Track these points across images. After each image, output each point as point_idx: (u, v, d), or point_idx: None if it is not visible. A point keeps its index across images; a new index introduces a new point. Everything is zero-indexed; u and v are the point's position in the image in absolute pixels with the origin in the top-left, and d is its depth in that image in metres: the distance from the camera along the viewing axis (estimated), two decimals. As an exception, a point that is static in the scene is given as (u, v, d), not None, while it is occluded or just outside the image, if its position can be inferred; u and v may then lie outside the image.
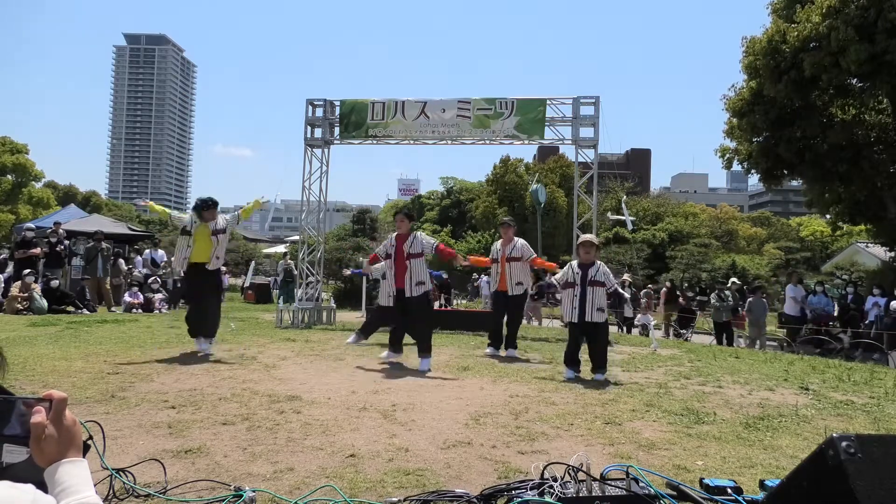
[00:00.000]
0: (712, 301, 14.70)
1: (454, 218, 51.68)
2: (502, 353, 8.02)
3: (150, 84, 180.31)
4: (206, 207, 7.26)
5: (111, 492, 2.87)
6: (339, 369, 6.63)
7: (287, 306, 11.77)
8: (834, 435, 1.82)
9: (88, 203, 57.91)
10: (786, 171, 17.90)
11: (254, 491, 2.91)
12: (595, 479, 2.80)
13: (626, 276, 19.21)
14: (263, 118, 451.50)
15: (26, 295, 11.51)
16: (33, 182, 48.86)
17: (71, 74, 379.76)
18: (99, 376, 5.66)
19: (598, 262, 6.70)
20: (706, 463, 3.66)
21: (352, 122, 11.64)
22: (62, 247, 13.64)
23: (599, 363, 6.53)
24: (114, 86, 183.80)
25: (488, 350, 8.04)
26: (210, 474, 3.21)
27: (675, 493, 2.91)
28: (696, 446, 4.02)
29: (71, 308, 12.05)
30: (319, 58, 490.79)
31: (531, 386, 5.97)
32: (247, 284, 19.54)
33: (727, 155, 18.96)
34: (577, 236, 11.18)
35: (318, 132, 12.04)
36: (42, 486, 1.08)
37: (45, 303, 11.64)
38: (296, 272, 14.44)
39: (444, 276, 9.08)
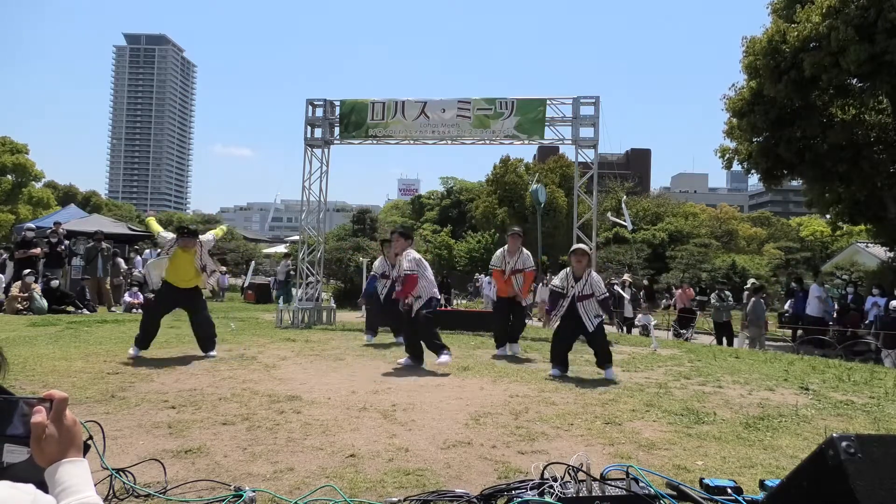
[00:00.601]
0: (712, 301, 14.70)
1: (454, 218, 51.69)
2: (508, 351, 8.14)
3: (150, 84, 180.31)
4: (183, 235, 7.16)
5: (111, 492, 2.87)
6: (339, 369, 6.63)
7: (287, 306, 11.77)
8: (834, 435, 1.82)
9: (88, 203, 57.93)
10: (786, 171, 17.91)
11: (254, 491, 2.91)
12: (595, 479, 2.80)
13: (626, 276, 19.22)
14: (263, 118, 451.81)
15: (26, 295, 11.51)
16: (33, 182, 48.87)
17: (71, 74, 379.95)
18: (99, 376, 5.67)
19: (590, 270, 6.77)
20: (706, 463, 3.66)
21: (352, 122, 11.63)
22: (62, 247, 13.64)
23: (606, 358, 6.57)
24: (114, 86, 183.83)
25: (498, 351, 8.12)
26: (210, 474, 3.21)
27: (675, 493, 2.91)
28: (696, 446, 4.02)
29: (71, 308, 12.06)
30: (319, 58, 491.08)
31: (531, 386, 5.97)
32: (246, 284, 19.54)
33: (727, 155, 18.97)
34: (577, 237, 11.19)
35: (318, 132, 12.04)
36: (42, 485, 1.08)
37: (45, 303, 11.64)
38: (293, 273, 14.45)
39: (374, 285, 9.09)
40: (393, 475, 3.29)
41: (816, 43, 14.26)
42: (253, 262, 21.74)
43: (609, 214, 16.32)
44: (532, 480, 2.94)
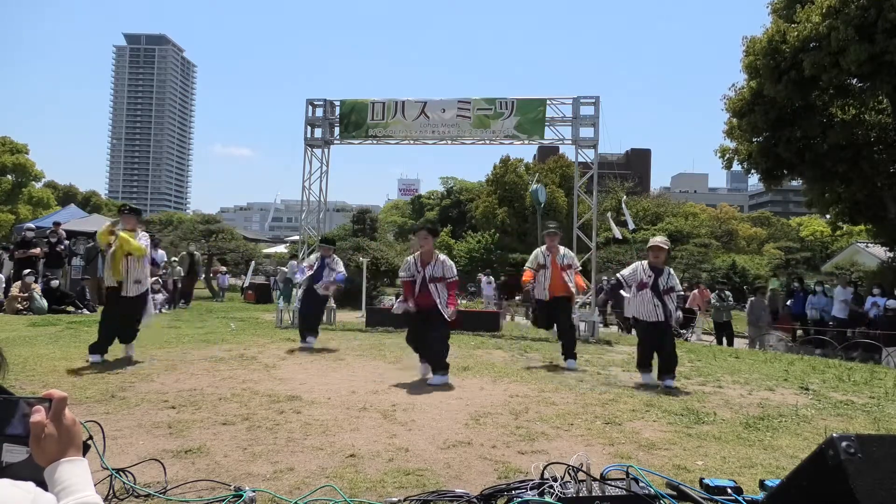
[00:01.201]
0: (712, 301, 14.69)
1: (454, 218, 51.67)
2: (567, 364, 7.27)
3: (150, 84, 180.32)
4: (122, 213, 6.76)
5: (111, 492, 2.87)
6: (339, 369, 6.63)
7: (287, 306, 11.77)
8: (834, 435, 1.82)
9: (88, 203, 57.95)
10: (786, 171, 17.91)
11: (254, 491, 2.91)
12: (595, 479, 2.80)
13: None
14: (263, 118, 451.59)
15: (26, 295, 11.51)
16: (33, 182, 48.90)
17: (71, 74, 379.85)
18: (99, 376, 5.67)
19: (669, 268, 6.51)
20: (706, 463, 3.66)
21: (352, 122, 11.64)
22: (62, 247, 13.64)
23: (670, 368, 6.21)
24: (114, 86, 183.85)
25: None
26: (210, 474, 3.21)
27: (675, 493, 2.91)
28: (696, 446, 4.02)
29: (71, 308, 12.06)
30: (319, 58, 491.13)
31: (531, 386, 5.97)
32: (246, 284, 19.53)
33: (727, 155, 18.97)
34: (577, 237, 11.19)
35: (318, 132, 12.04)
36: (42, 485, 1.08)
37: (45, 303, 11.64)
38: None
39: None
40: (393, 475, 3.29)
41: (816, 43, 14.27)
42: (253, 262, 21.73)
43: (609, 215, 16.30)
44: (532, 480, 2.94)
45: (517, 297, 20.50)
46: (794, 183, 23.51)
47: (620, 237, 16.47)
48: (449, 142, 11.53)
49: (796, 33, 14.62)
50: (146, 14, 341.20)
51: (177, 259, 16.99)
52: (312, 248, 12.44)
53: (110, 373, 5.85)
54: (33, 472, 1.11)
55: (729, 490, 2.92)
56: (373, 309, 12.30)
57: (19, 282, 11.73)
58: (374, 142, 11.74)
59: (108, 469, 2.93)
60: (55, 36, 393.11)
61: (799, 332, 15.09)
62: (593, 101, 10.99)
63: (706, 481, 3.03)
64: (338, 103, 11.89)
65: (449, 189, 59.77)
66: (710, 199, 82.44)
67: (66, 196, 56.71)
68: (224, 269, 22.42)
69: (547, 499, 2.70)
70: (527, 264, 7.89)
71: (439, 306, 6.21)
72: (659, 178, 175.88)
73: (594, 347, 9.46)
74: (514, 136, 11.16)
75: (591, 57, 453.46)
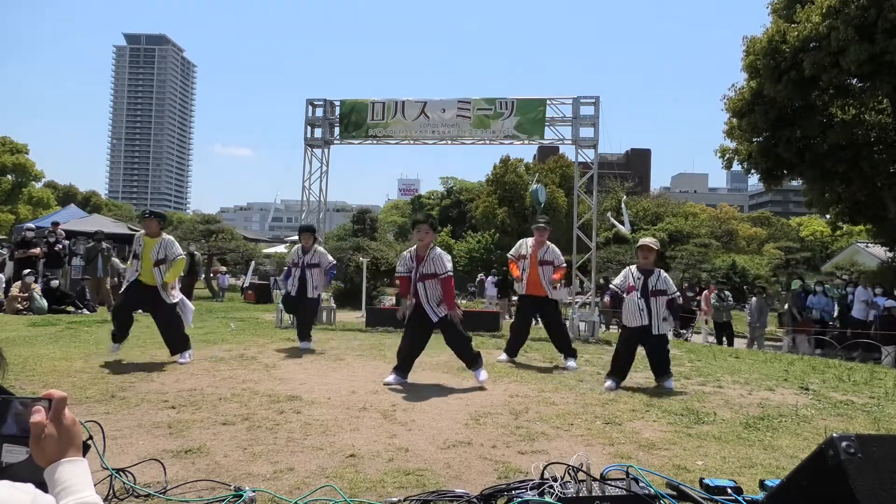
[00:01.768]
0: (712, 301, 14.70)
1: (454, 218, 51.68)
2: (567, 363, 7.25)
3: (150, 84, 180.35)
4: (145, 217, 6.83)
5: (111, 492, 2.87)
6: (339, 369, 6.63)
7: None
8: (834, 435, 1.82)
9: (88, 203, 57.95)
10: (786, 171, 17.91)
11: (254, 491, 2.91)
12: (595, 479, 2.80)
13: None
14: (263, 118, 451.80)
15: (26, 295, 11.51)
16: (33, 182, 48.91)
17: (71, 74, 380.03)
18: (99, 376, 5.67)
19: (659, 269, 6.28)
20: (706, 463, 3.66)
21: (352, 122, 11.63)
22: (60, 246, 13.64)
23: (664, 369, 6.06)
24: (114, 86, 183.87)
25: (503, 357, 7.50)
26: (210, 474, 3.21)
27: (675, 493, 2.91)
28: (696, 446, 4.02)
29: (71, 308, 12.05)
30: (319, 58, 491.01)
31: (531, 386, 5.96)
32: (246, 284, 19.52)
33: (727, 155, 18.97)
34: (577, 237, 11.19)
35: (318, 132, 12.03)
36: (42, 486, 1.08)
37: (45, 303, 11.63)
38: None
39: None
40: (393, 475, 3.29)
41: (816, 43, 14.27)
42: (253, 262, 21.74)
43: (609, 214, 16.29)
44: (532, 480, 2.94)
45: (513, 298, 20.55)
46: (794, 183, 23.51)
47: (628, 230, 16.45)
48: (449, 142, 11.52)
49: (796, 33, 14.61)
50: (146, 14, 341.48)
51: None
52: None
53: (110, 373, 5.85)
54: (33, 473, 1.11)
55: (729, 490, 2.92)
56: (373, 309, 12.29)
57: (19, 282, 11.73)
58: (374, 142, 11.74)
59: (108, 469, 2.93)
60: (55, 36, 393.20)
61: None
62: (593, 101, 10.99)
63: (706, 481, 3.03)
64: (338, 103, 11.88)
65: (449, 189, 59.78)
66: (710, 199, 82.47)
67: (66, 196, 56.73)
68: (224, 269, 22.41)
69: (547, 499, 2.70)
70: (510, 252, 7.85)
71: (425, 307, 5.89)
72: (659, 178, 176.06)
73: (594, 347, 9.46)
74: (514, 136, 11.16)
75: (591, 57, 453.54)
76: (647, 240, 6.42)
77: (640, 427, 4.47)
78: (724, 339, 14.24)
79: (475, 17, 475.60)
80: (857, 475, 1.72)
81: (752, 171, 18.40)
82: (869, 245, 27.94)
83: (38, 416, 1.11)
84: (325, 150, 12.20)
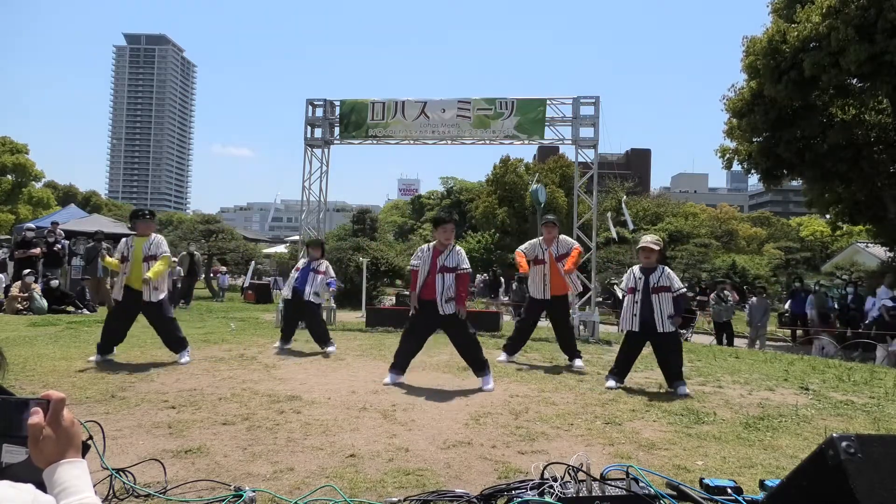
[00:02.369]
0: (711, 301, 14.69)
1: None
2: (574, 363, 7.22)
3: (150, 84, 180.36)
4: (137, 218, 6.72)
5: (111, 492, 2.87)
6: (339, 369, 6.63)
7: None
8: (834, 435, 1.82)
9: (88, 203, 57.94)
10: (786, 171, 17.89)
11: (254, 491, 2.91)
12: (595, 479, 2.80)
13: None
14: (263, 118, 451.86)
15: (26, 295, 11.51)
16: (33, 182, 48.86)
17: (71, 74, 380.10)
18: (99, 376, 5.67)
19: (663, 266, 6.08)
20: (706, 463, 3.66)
21: (352, 122, 11.63)
22: (59, 246, 13.64)
23: (676, 373, 5.87)
24: (114, 86, 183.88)
25: (502, 357, 7.46)
26: (210, 474, 3.21)
27: (675, 493, 2.91)
28: (696, 446, 4.02)
29: (71, 308, 12.06)
30: (319, 58, 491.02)
31: (531, 386, 5.96)
32: (246, 284, 19.52)
33: (727, 155, 18.95)
34: (577, 237, 11.19)
35: (318, 132, 12.02)
36: (42, 486, 1.08)
37: (45, 303, 11.64)
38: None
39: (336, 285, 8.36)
40: (393, 475, 3.29)
41: (816, 43, 14.26)
42: (253, 262, 21.73)
43: (609, 215, 16.29)
44: (532, 480, 2.94)
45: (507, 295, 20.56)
46: (794, 183, 23.48)
47: (617, 238, 16.43)
48: (449, 142, 11.52)
49: (796, 33, 14.61)
50: (146, 14, 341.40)
51: (177, 259, 16.98)
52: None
53: (110, 373, 5.85)
54: (33, 473, 1.11)
55: (729, 490, 2.92)
56: (373, 309, 12.29)
57: (19, 282, 11.73)
58: (374, 142, 11.73)
59: (108, 469, 2.93)
60: (55, 36, 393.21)
61: (799, 333, 15.09)
62: (593, 101, 10.98)
63: (706, 481, 3.03)
64: (338, 103, 11.88)
65: (449, 189, 59.77)
66: (710, 199, 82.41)
67: (66, 196, 56.71)
68: (224, 269, 22.40)
69: (547, 499, 2.70)
70: (522, 247, 7.64)
71: (437, 303, 5.76)
72: (659, 178, 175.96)
73: (594, 347, 9.46)
74: (514, 136, 11.15)
75: (591, 57, 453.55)
76: (648, 239, 6.17)
77: (640, 427, 4.47)
78: (724, 339, 14.22)
79: (475, 16, 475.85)
80: (857, 475, 1.72)
81: (752, 171, 18.39)
82: (869, 245, 27.93)
83: (36, 417, 1.10)
84: (325, 150, 12.19)
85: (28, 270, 11.93)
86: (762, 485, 3.07)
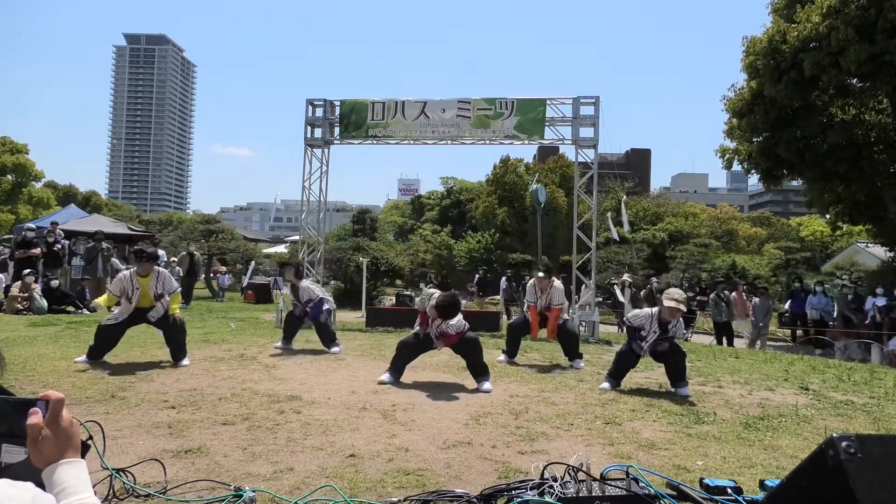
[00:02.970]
0: (711, 301, 14.67)
1: (454, 218, 51.65)
2: (574, 364, 7.42)
3: (150, 84, 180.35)
4: (142, 259, 6.65)
5: (111, 492, 2.87)
6: (338, 369, 6.63)
7: (287, 306, 11.76)
8: (834, 435, 1.82)
9: (88, 203, 57.90)
10: (786, 171, 17.89)
11: (254, 491, 2.91)
12: (595, 479, 2.80)
13: (625, 277, 19.19)
14: (263, 118, 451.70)
15: (26, 295, 11.51)
16: (33, 182, 48.83)
17: (71, 74, 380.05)
18: (99, 376, 5.66)
19: (680, 319, 5.97)
20: (706, 463, 3.66)
21: (352, 122, 11.63)
22: (59, 246, 13.64)
23: (679, 375, 5.89)
24: (114, 86, 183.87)
25: (501, 357, 7.64)
26: (210, 474, 3.21)
27: (675, 493, 2.91)
28: (696, 446, 4.02)
29: (71, 308, 12.05)
30: (319, 58, 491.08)
31: (531, 386, 5.96)
32: (245, 284, 19.51)
33: (727, 155, 18.95)
34: (577, 237, 11.19)
35: (318, 132, 12.03)
36: (42, 485, 1.08)
37: (45, 303, 11.64)
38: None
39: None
40: (393, 475, 3.29)
41: (816, 43, 14.25)
42: (253, 262, 21.73)
43: (609, 215, 16.28)
44: (532, 480, 2.94)
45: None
46: (794, 183, 23.48)
47: (618, 238, 16.43)
48: (449, 142, 11.52)
49: (796, 33, 14.60)
50: (146, 14, 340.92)
51: (176, 259, 16.99)
52: (313, 248, 12.45)
53: (110, 373, 5.85)
54: (33, 473, 1.11)
55: (729, 490, 2.92)
56: (373, 309, 12.29)
57: (19, 282, 11.73)
58: (374, 142, 11.73)
59: (108, 469, 2.93)
60: (55, 36, 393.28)
61: (799, 333, 15.07)
62: (593, 101, 10.98)
63: (706, 481, 3.03)
64: (338, 103, 11.88)
65: (449, 189, 59.73)
66: (710, 199, 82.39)
67: (66, 196, 56.68)
68: (224, 269, 22.39)
69: (547, 499, 2.70)
70: (527, 298, 8.04)
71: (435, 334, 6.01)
72: (659, 178, 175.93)
73: (594, 347, 9.46)
74: (514, 136, 11.16)
75: (591, 57, 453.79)
76: (676, 295, 5.90)
77: (640, 427, 4.47)
78: (724, 339, 14.21)
79: (475, 16, 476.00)
80: (857, 475, 1.71)
81: (752, 171, 18.39)
82: (869, 245, 27.93)
83: (35, 418, 1.10)
84: (325, 150, 12.20)
85: (28, 270, 11.92)
86: (762, 485, 3.07)
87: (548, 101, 11.12)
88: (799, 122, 16.03)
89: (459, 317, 6.07)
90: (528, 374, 6.71)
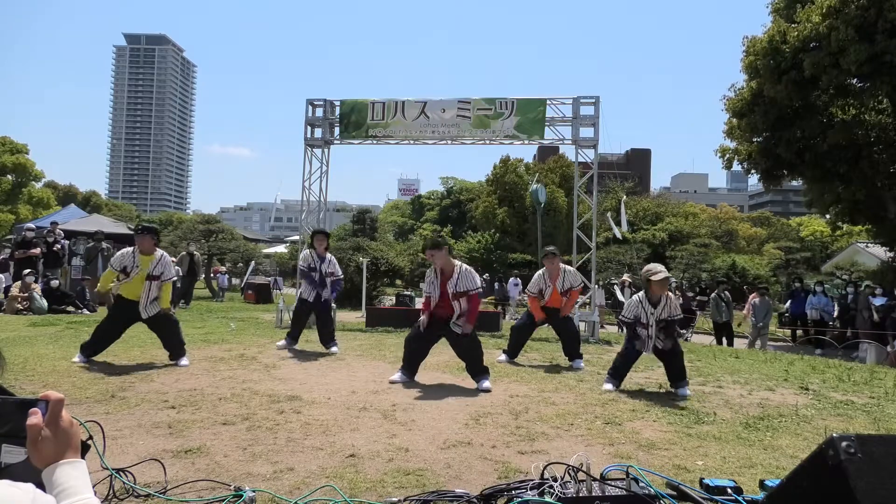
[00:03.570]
0: (711, 301, 14.67)
1: (454, 218, 51.72)
2: (573, 363, 7.42)
3: (150, 84, 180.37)
4: (139, 232, 6.49)
5: (111, 492, 2.87)
6: (338, 369, 6.63)
7: (287, 306, 11.76)
8: (834, 435, 1.82)
9: (88, 203, 57.91)
10: (786, 171, 17.91)
11: (254, 491, 2.91)
12: (595, 479, 2.80)
13: (625, 277, 19.20)
14: (263, 118, 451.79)
15: (26, 295, 11.51)
16: (33, 182, 48.82)
17: (71, 74, 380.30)
18: (99, 376, 5.66)
19: (668, 294, 5.95)
20: (706, 463, 3.66)
21: (352, 122, 11.63)
22: (59, 246, 13.64)
23: (679, 375, 5.88)
24: (114, 86, 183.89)
25: (502, 357, 7.61)
26: (210, 474, 3.21)
27: (675, 493, 2.91)
28: (696, 446, 4.02)
29: (71, 308, 12.06)
30: (319, 58, 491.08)
31: (531, 386, 5.96)
32: (244, 284, 19.51)
33: (727, 155, 18.96)
34: (577, 236, 11.19)
35: (318, 132, 12.02)
36: (42, 485, 1.08)
37: (45, 303, 11.64)
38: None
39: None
40: (393, 475, 3.29)
41: (816, 43, 14.27)
42: (253, 262, 21.72)
43: (609, 215, 16.29)
44: (532, 480, 2.94)
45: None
46: (794, 183, 23.49)
47: (621, 237, 16.44)
48: (449, 142, 11.52)
49: (796, 33, 14.62)
50: (146, 14, 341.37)
51: (176, 259, 16.98)
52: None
53: (110, 373, 5.85)
54: (32, 473, 1.11)
55: (729, 490, 2.92)
56: (373, 309, 12.29)
57: (19, 282, 11.73)
58: (374, 142, 11.73)
59: (108, 469, 2.93)
60: (55, 36, 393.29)
61: (799, 333, 15.08)
62: (593, 101, 10.98)
63: (706, 481, 3.03)
64: (338, 103, 11.87)
65: (449, 189, 59.79)
66: (710, 199, 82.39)
67: (66, 196, 56.71)
68: (224, 269, 22.40)
69: (547, 499, 2.70)
70: (530, 288, 7.85)
71: (452, 321, 5.94)
72: (659, 178, 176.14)
73: (594, 347, 9.47)
74: (514, 136, 11.15)
75: (591, 57, 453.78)
76: (658, 270, 5.90)
77: (640, 427, 4.47)
78: (724, 339, 14.21)
79: (476, 16, 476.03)
80: (857, 475, 1.71)
81: (752, 171, 18.41)
82: (869, 245, 27.94)
83: (34, 418, 1.10)
84: (325, 150, 12.19)
85: (28, 270, 11.93)
86: (762, 485, 3.07)
87: (548, 101, 11.11)
88: (799, 122, 16.04)
89: (477, 278, 6.10)
90: (528, 374, 6.71)
